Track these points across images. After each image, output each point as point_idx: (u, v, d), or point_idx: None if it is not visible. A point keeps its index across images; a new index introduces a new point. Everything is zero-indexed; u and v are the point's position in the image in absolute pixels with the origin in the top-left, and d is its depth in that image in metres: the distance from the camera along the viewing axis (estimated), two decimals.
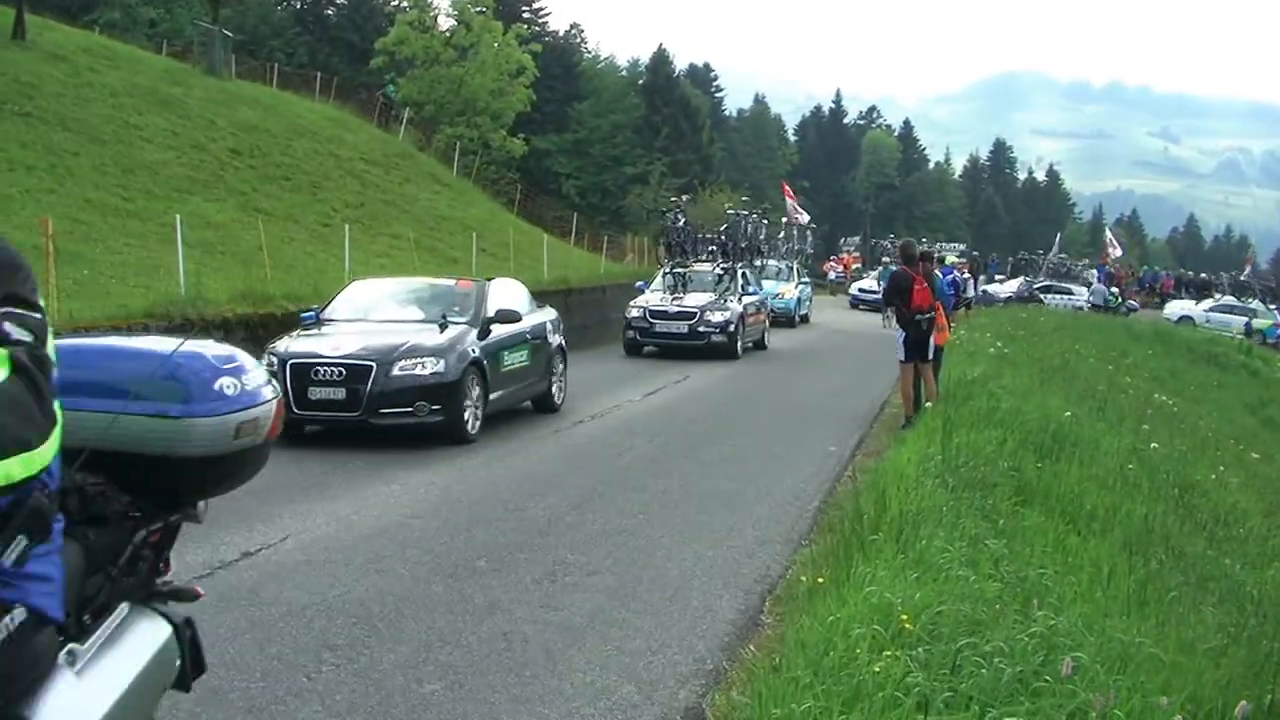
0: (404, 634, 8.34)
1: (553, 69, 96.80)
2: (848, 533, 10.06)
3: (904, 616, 7.24)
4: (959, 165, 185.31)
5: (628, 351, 30.65)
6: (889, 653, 6.75)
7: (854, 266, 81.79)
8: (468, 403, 16.59)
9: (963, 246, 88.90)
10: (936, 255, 30.80)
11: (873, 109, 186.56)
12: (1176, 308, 69.87)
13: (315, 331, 17.33)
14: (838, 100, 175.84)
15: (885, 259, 64.74)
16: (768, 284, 41.67)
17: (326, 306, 18.56)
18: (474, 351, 16.95)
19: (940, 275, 21.63)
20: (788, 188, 70.71)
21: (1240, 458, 21.64)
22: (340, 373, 15.87)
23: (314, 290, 22.92)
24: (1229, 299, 70.89)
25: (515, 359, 18.52)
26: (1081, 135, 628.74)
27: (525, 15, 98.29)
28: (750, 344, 32.48)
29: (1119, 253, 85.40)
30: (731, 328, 30.29)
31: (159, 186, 32.61)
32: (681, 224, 36.32)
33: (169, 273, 22.10)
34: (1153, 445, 17.40)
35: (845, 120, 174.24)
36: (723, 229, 39.02)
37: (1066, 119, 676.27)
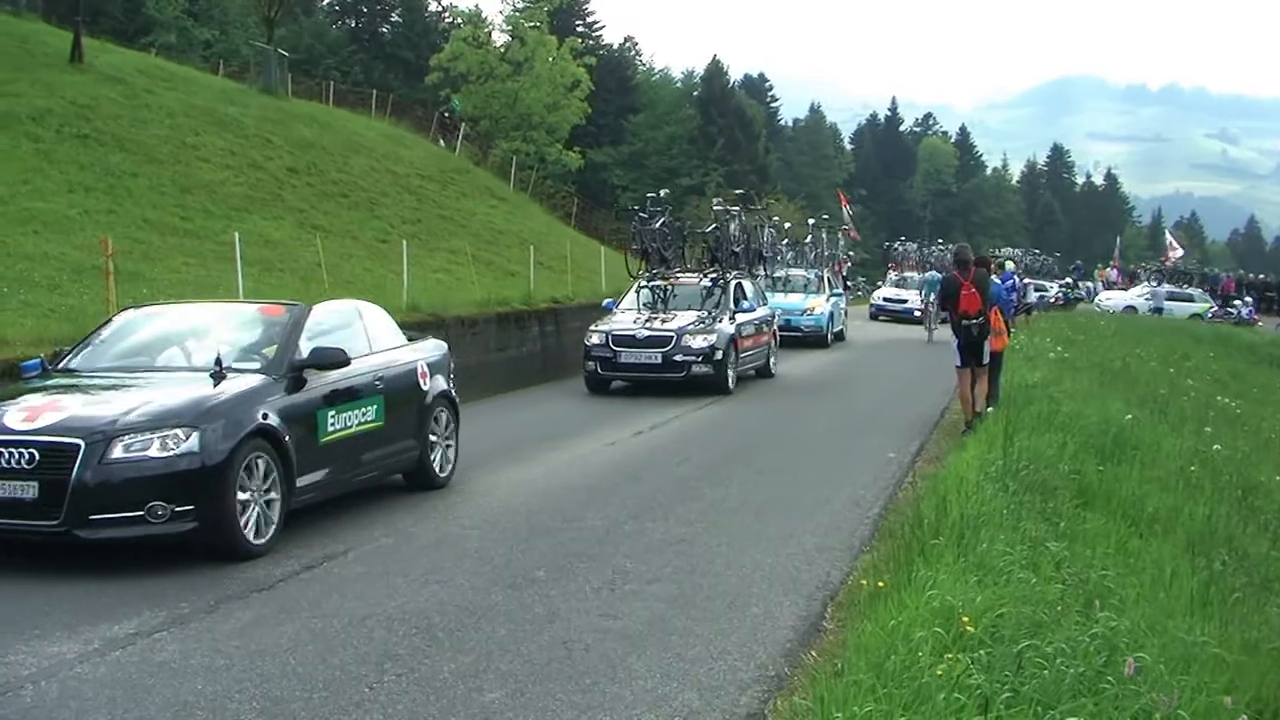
0: (464, 643, 8.37)
1: (607, 82, 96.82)
2: (908, 537, 10.03)
3: (965, 619, 7.22)
4: (1016, 171, 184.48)
5: (591, 389, 24.85)
6: (950, 655, 6.73)
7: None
8: (246, 496, 10.83)
9: (1019, 252, 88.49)
10: (995, 261, 30.66)
11: (928, 116, 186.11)
12: (1118, 297, 69.76)
13: (32, 389, 11.68)
14: (893, 108, 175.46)
15: (930, 266, 56.97)
16: (792, 298, 37.87)
17: (75, 350, 12.87)
18: (263, 416, 11.22)
19: (998, 281, 21.51)
20: (843, 195, 70.29)
21: None
22: (28, 457, 10.29)
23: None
24: (1168, 286, 70.38)
25: (352, 420, 12.74)
26: (1138, 139, 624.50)
27: (579, 29, 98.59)
28: (751, 371, 27.08)
29: (1180, 253, 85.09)
30: (719, 355, 24.30)
31: (217, 205, 32.78)
32: (658, 224, 29.61)
33: (228, 290, 22.21)
34: (1215, 447, 17.23)
35: (901, 128, 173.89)
36: (709, 229, 31.70)
37: (1123, 123, 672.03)
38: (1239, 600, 9.44)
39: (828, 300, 39.09)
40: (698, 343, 24.24)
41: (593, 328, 25.15)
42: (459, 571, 10.28)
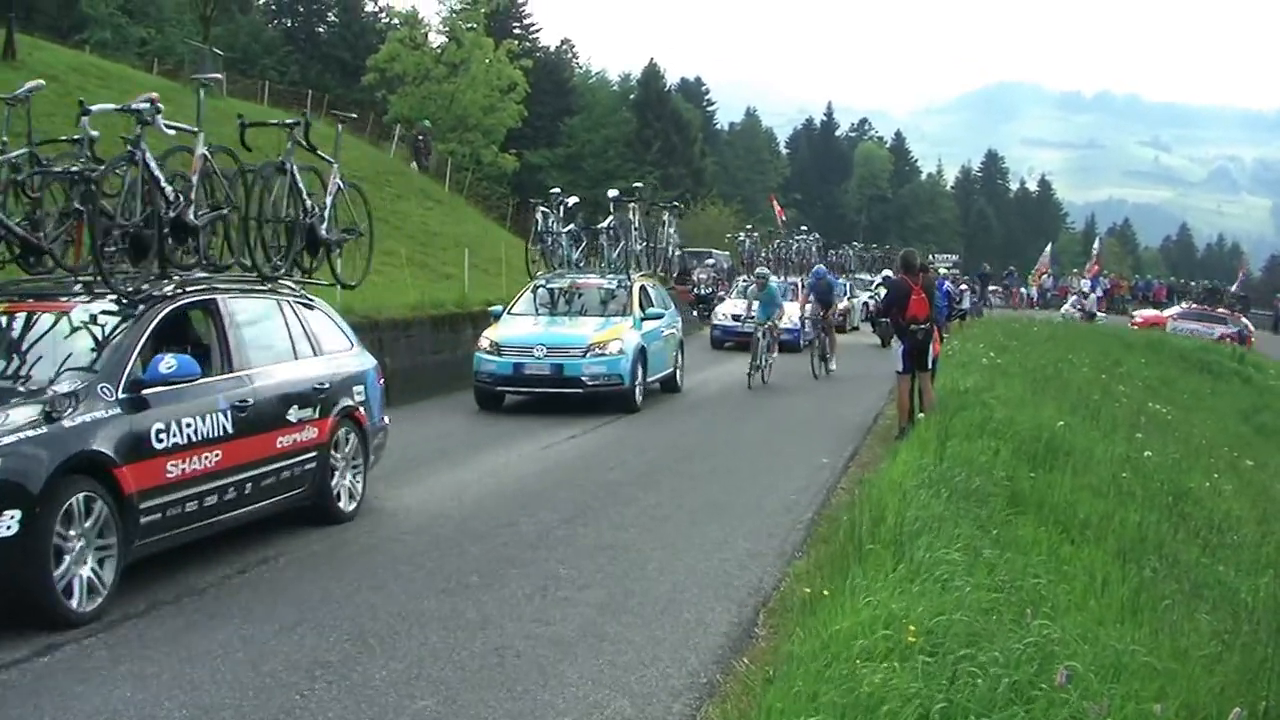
0: (396, 650, 8.32)
1: (544, 84, 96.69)
2: (844, 543, 10.04)
3: (909, 628, 7.22)
4: (951, 176, 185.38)
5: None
6: (888, 664, 6.74)
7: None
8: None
9: (955, 258, 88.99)
10: (931, 266, 30.73)
11: (864, 121, 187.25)
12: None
13: None
14: (829, 112, 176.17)
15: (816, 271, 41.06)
16: (563, 328, 22.77)
17: None
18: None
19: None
20: (775, 200, 70.31)
21: (1234, 465, 21.62)
22: None
23: None
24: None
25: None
26: (1073, 145, 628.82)
27: (516, 31, 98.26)
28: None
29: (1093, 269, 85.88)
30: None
31: None
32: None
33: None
34: (1146, 453, 17.38)
35: (837, 132, 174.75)
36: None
37: (1058, 129, 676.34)
38: (1169, 607, 9.49)
39: (636, 327, 23.17)
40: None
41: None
42: (391, 577, 10.23)
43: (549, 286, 24.39)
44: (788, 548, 11.70)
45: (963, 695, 6.34)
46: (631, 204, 29.31)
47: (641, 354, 22.56)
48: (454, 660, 8.15)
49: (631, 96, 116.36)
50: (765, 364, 27.30)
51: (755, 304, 28.50)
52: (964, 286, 53.09)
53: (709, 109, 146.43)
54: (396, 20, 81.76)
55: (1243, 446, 25.34)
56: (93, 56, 49.90)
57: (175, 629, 8.76)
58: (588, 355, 21.71)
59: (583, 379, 21.64)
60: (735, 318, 35.22)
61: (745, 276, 39.75)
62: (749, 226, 53.26)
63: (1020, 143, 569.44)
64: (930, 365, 18.96)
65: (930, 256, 64.51)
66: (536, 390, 22.12)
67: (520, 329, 22.64)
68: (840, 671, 6.78)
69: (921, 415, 17.26)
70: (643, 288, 24.85)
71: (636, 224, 29.06)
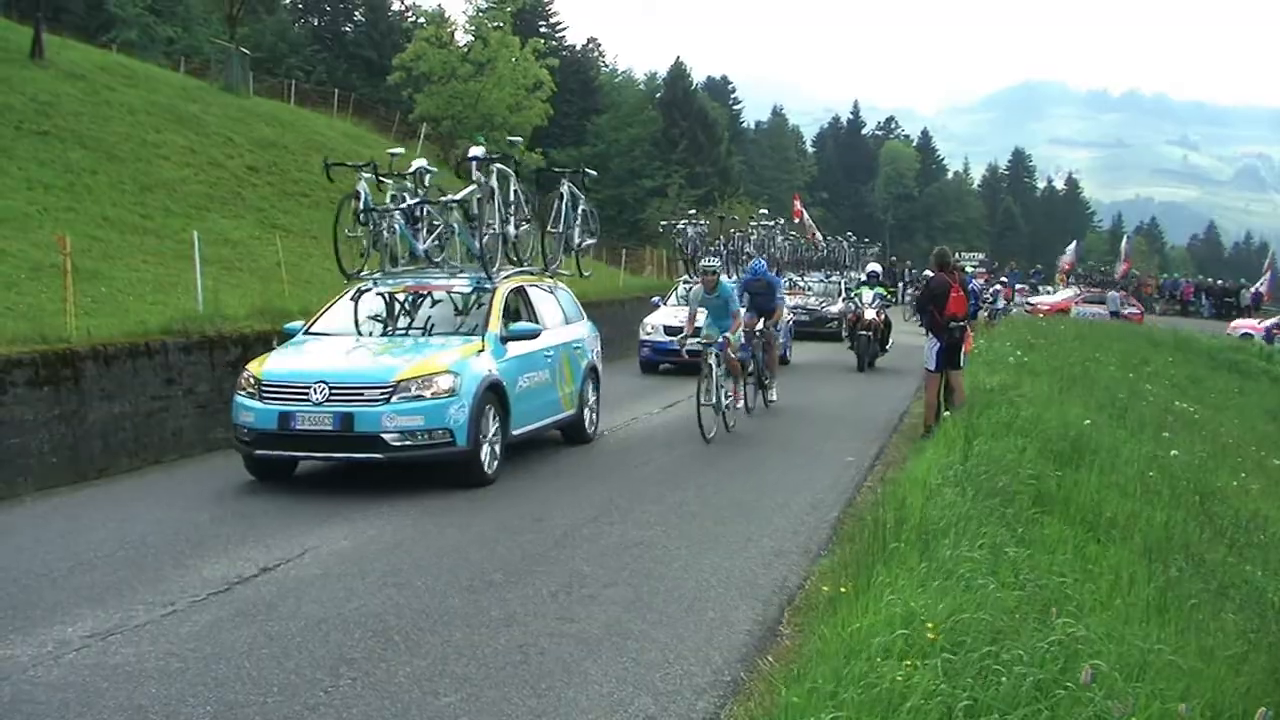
0: (420, 647, 8.33)
1: (570, 83, 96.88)
2: (869, 541, 10.02)
3: (929, 626, 7.20)
4: (978, 175, 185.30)
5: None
6: (909, 662, 6.71)
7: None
8: None
9: (982, 256, 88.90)
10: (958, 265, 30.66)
11: (890, 120, 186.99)
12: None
13: None
14: (856, 111, 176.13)
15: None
16: (357, 354, 15.11)
17: None
18: None
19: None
20: (798, 200, 69.99)
21: (1261, 464, 21.51)
22: None
23: None
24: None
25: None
26: (1100, 144, 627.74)
27: (542, 30, 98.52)
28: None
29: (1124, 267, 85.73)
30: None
31: (177, 204, 32.67)
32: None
33: (187, 290, 22.10)
34: (1173, 452, 17.30)
35: (863, 131, 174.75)
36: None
37: (1085, 128, 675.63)
38: (1195, 607, 9.45)
39: (492, 353, 15.47)
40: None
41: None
42: (416, 574, 10.23)
43: (379, 292, 16.76)
44: (813, 546, 11.68)
45: (986, 693, 6.32)
46: (495, 165, 17.71)
47: (495, 394, 15.05)
48: (478, 657, 8.14)
49: (658, 95, 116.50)
50: (724, 401, 19.14)
51: (702, 312, 20.11)
52: (998, 286, 53.02)
53: (735, 107, 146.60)
54: (423, 19, 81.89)
55: (1271, 446, 25.19)
56: (120, 56, 50.18)
57: (200, 626, 8.78)
58: (395, 398, 13.94)
59: (384, 436, 13.87)
60: (672, 330, 26.30)
61: (688, 276, 32.99)
62: (692, 212, 43.27)
63: (1047, 141, 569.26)
64: (961, 363, 19.00)
65: (957, 255, 64.20)
66: (314, 455, 14.50)
67: (303, 358, 14.99)
68: (860, 669, 6.75)
69: (948, 414, 17.21)
70: (519, 292, 17.39)
71: (515, 195, 18.53)
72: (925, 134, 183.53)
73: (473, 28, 76.19)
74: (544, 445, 17.74)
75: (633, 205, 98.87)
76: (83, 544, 11.21)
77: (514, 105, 73.23)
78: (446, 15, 78.98)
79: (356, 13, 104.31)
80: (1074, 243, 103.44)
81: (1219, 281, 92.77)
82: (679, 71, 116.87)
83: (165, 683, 7.58)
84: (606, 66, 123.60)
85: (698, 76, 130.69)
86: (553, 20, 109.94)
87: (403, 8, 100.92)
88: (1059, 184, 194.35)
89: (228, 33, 58.35)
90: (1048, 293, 77.74)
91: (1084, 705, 6.21)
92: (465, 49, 74.16)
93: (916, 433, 18.97)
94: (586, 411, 18.52)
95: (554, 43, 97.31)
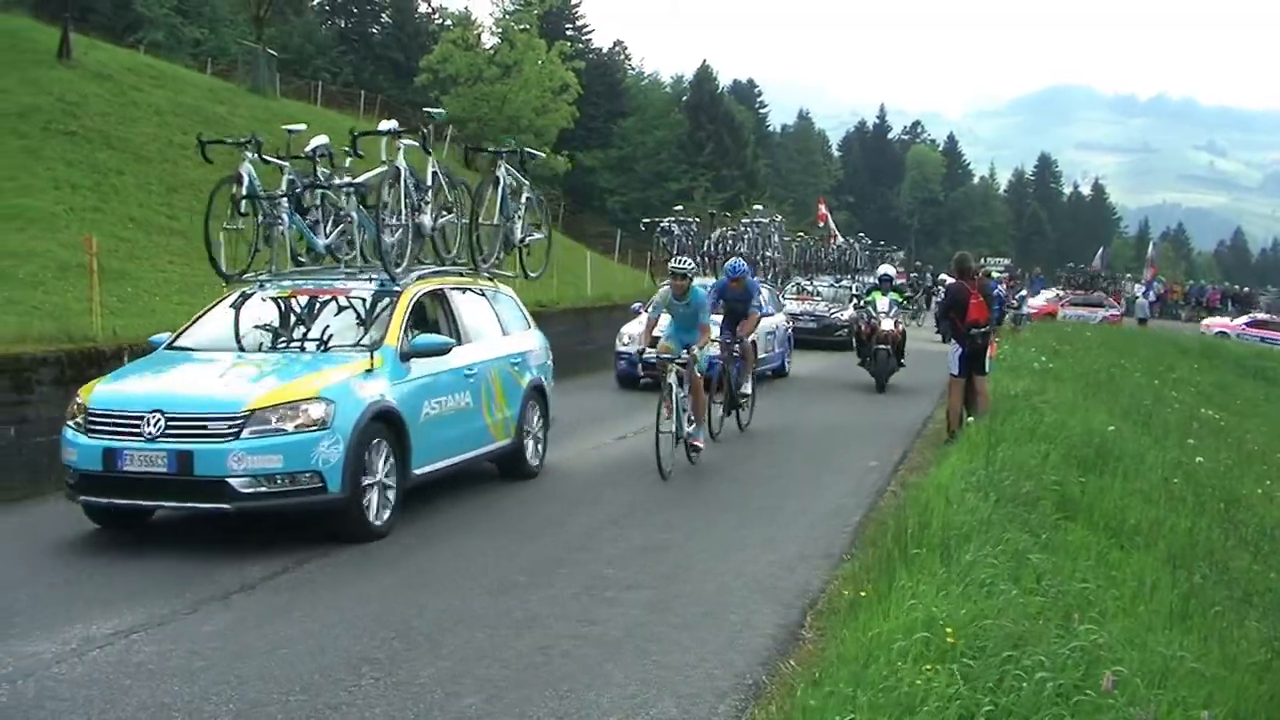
0: (443, 648, 8.35)
1: (596, 86, 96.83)
2: (890, 546, 10.01)
3: (948, 630, 7.19)
4: (1004, 180, 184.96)
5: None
6: (930, 667, 6.71)
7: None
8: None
9: (1007, 261, 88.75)
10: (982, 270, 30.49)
11: (917, 124, 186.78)
12: None
13: None
14: (882, 115, 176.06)
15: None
16: (206, 378, 11.86)
17: None
18: None
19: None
20: (823, 204, 69.76)
21: None
22: None
23: None
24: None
25: None
26: (1127, 149, 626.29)
27: (569, 32, 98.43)
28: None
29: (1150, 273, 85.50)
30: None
31: (203, 205, 32.69)
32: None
33: (214, 290, 22.10)
34: (1198, 459, 17.22)
35: (889, 135, 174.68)
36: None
37: (1112, 133, 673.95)
38: (1219, 614, 9.42)
39: (388, 374, 12.23)
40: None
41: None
42: (438, 575, 10.26)
43: (264, 298, 13.75)
44: (835, 550, 11.67)
45: (1007, 698, 6.32)
46: (401, 139, 14.57)
47: (387, 424, 12.03)
48: (500, 659, 8.16)
49: (684, 98, 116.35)
50: (687, 429, 16.12)
51: (665, 320, 17.31)
52: (1024, 292, 52.98)
53: (761, 111, 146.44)
54: (449, 21, 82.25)
55: None
56: (147, 57, 50.38)
57: (223, 625, 8.82)
58: (246, 432, 10.97)
59: (230, 481, 10.86)
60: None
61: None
62: (679, 208, 40.25)
63: (1074, 146, 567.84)
64: (986, 368, 18.98)
65: (982, 260, 63.96)
66: (143, 504, 11.47)
67: (142, 380, 12.02)
68: (879, 673, 6.75)
69: (971, 420, 17.17)
70: (437, 296, 14.28)
71: (435, 179, 15.29)
72: (951, 138, 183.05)
73: (499, 30, 76.37)
74: (477, 479, 14.80)
75: (659, 208, 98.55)
76: (106, 540, 11.27)
77: (540, 108, 73.34)
78: (473, 17, 79.22)
79: (384, 14, 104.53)
80: (1101, 249, 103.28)
81: (1245, 289, 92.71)
82: (705, 74, 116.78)
83: (188, 681, 7.63)
84: (633, 69, 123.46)
85: (724, 79, 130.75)
86: (579, 23, 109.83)
87: (430, 10, 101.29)
88: (1085, 189, 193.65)
89: (254, 34, 58.47)
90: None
91: (1106, 712, 6.21)
92: (492, 51, 74.31)
93: (940, 439, 18.93)
94: (530, 441, 15.39)
95: (580, 45, 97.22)
